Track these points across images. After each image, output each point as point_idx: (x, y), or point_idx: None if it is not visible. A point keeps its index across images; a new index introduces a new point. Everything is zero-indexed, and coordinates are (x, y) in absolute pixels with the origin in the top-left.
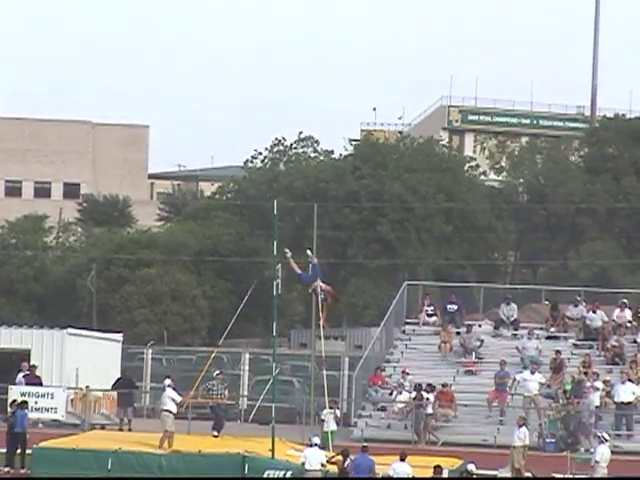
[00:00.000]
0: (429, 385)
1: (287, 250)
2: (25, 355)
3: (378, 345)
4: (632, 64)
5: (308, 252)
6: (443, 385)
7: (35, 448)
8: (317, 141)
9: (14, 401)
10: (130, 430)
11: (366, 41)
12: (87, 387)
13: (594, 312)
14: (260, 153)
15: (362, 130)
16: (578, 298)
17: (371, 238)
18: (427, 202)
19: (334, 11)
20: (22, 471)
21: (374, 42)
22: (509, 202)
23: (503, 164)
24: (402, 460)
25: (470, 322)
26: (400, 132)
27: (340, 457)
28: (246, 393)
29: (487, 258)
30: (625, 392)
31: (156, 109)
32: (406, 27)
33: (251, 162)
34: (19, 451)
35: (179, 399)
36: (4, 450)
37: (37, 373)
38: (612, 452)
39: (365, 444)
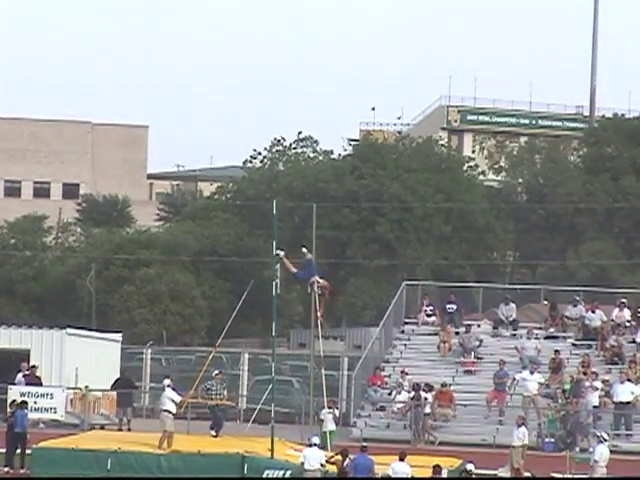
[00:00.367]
0: (427, 385)
1: (279, 252)
2: (24, 355)
3: (377, 345)
4: (631, 64)
5: (303, 249)
6: (442, 385)
7: (34, 448)
8: (316, 141)
9: (13, 401)
10: (129, 430)
11: (365, 41)
12: (86, 387)
13: (593, 312)
14: (259, 153)
15: (361, 130)
16: (577, 298)
17: (370, 238)
18: (426, 202)
19: (333, 11)
20: (22, 471)
21: (373, 42)
22: (508, 202)
23: (502, 164)
24: (401, 460)
25: (469, 322)
26: (399, 132)
27: (339, 457)
28: (245, 393)
29: (486, 258)
30: (624, 392)
31: (155, 109)
32: (405, 27)
33: (250, 162)
34: (19, 451)
35: (178, 399)
36: (4, 450)
37: (37, 373)
38: (611, 452)
39: (364, 444)
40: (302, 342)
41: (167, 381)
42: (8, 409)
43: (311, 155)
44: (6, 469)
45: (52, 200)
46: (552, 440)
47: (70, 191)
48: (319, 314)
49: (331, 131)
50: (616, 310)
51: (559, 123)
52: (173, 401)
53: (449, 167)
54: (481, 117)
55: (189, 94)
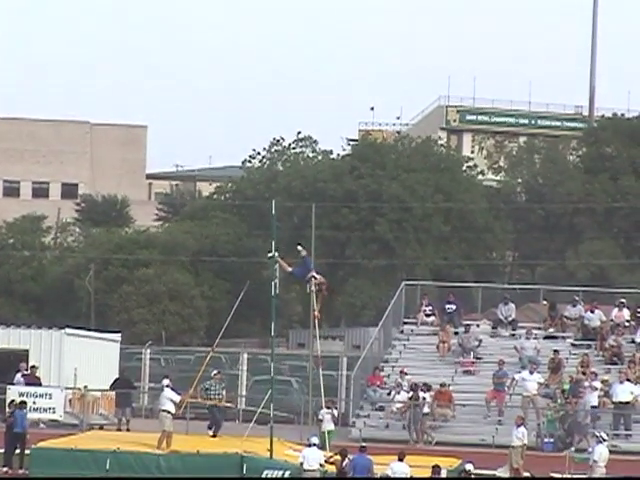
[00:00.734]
0: (425, 384)
1: (272, 254)
2: (23, 355)
3: (376, 345)
4: (630, 64)
5: (298, 247)
6: (441, 385)
7: (33, 448)
8: (315, 141)
9: (12, 401)
10: (128, 430)
11: (364, 41)
12: (85, 387)
13: (592, 312)
14: (258, 153)
15: (360, 130)
16: (576, 298)
17: (369, 238)
18: (425, 202)
19: (332, 11)
20: (20, 471)
21: (372, 42)
22: (507, 202)
23: (501, 164)
24: (400, 460)
25: (468, 322)
26: (398, 132)
27: (338, 457)
28: (244, 393)
29: (485, 258)
30: (623, 392)
31: (154, 109)
32: (404, 27)
33: (249, 162)
34: (18, 451)
35: (178, 399)
36: (2, 450)
37: (37, 374)
38: (610, 452)
39: (363, 444)
40: (301, 342)
41: (166, 381)
42: (7, 409)
43: (310, 155)
44: (5, 469)
45: (51, 200)
46: (551, 440)
47: (69, 191)
48: (316, 311)
49: (330, 131)
50: (615, 310)
51: (558, 123)
52: (172, 401)
53: (448, 167)
54: (480, 117)
55: (188, 94)
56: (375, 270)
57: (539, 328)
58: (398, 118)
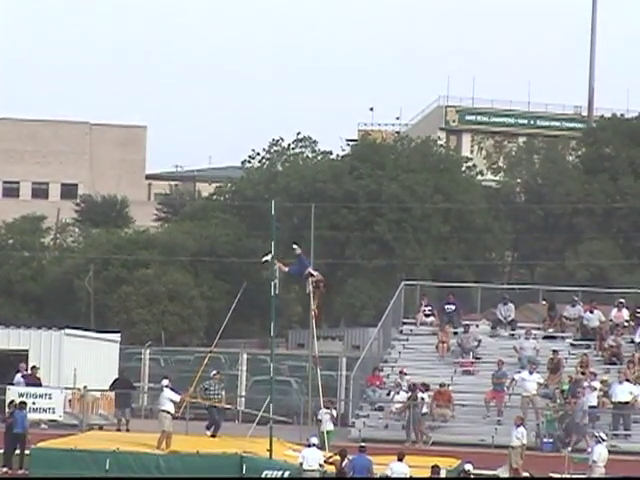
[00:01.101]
0: (423, 384)
1: (267, 257)
2: (23, 356)
3: (376, 345)
4: (629, 64)
5: (294, 246)
6: (441, 385)
7: (33, 448)
8: (315, 141)
9: (12, 402)
10: (128, 430)
11: (363, 41)
12: (85, 387)
13: (591, 312)
14: (258, 153)
15: (359, 130)
16: (575, 298)
17: (369, 238)
18: (424, 202)
19: (332, 12)
20: (20, 472)
21: (371, 42)
22: (506, 202)
23: (500, 164)
24: (400, 460)
25: (468, 322)
26: (397, 132)
27: (338, 457)
28: (244, 393)
29: (484, 258)
30: (622, 392)
31: (153, 109)
32: (403, 27)
33: (249, 162)
34: (18, 451)
35: (177, 398)
36: (2, 450)
37: (37, 374)
38: (610, 452)
39: (363, 444)
40: (300, 342)
41: (165, 381)
42: (7, 410)
43: (309, 155)
44: (5, 469)
45: (50, 200)
46: (550, 440)
47: (68, 191)
48: (314, 307)
49: (329, 131)
50: (614, 310)
51: (557, 123)
52: (172, 401)
53: (447, 167)
54: (479, 117)
55: (187, 94)
56: (374, 270)
57: (538, 328)
58: (397, 118)
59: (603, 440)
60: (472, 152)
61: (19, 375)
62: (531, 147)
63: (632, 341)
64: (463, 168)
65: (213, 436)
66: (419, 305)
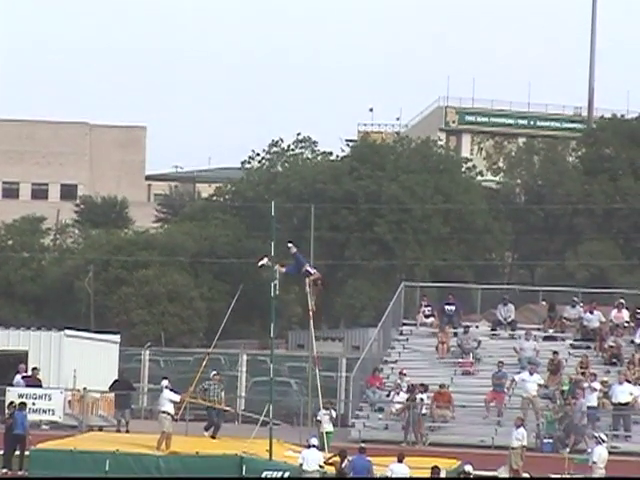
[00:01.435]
0: (422, 385)
1: (263, 262)
2: (22, 357)
3: (375, 346)
4: (629, 64)
5: (289, 244)
6: (440, 386)
7: (32, 450)
8: (315, 142)
9: (11, 403)
10: (128, 432)
11: (363, 42)
12: (85, 388)
13: (591, 313)
14: (258, 154)
15: (359, 131)
16: (575, 299)
17: (368, 239)
18: (424, 203)
19: (332, 12)
20: (20, 473)
21: (371, 43)
22: (506, 203)
23: (500, 165)
24: (400, 461)
25: (467, 323)
26: (397, 133)
27: (338, 458)
28: (244, 394)
29: (484, 259)
30: (623, 393)
31: (153, 110)
32: (403, 28)
33: (248, 163)
34: (18, 452)
35: (177, 398)
36: (1, 452)
37: (38, 376)
38: (610, 453)
39: (363, 445)
40: (300, 343)
41: (165, 382)
42: (6, 411)
43: (309, 156)
44: (4, 470)
45: (50, 201)
46: (550, 441)
47: (68, 192)
48: (312, 306)
49: (329, 132)
50: (614, 311)
51: (557, 124)
52: (172, 402)
53: (447, 168)
54: (479, 118)
55: (187, 95)
56: (374, 271)
57: (538, 329)
58: (397, 119)
59: (603, 441)
60: (472, 153)
61: (19, 376)
62: (531, 148)
63: (632, 342)
64: (463, 169)
65: (213, 437)
66: (419, 306)
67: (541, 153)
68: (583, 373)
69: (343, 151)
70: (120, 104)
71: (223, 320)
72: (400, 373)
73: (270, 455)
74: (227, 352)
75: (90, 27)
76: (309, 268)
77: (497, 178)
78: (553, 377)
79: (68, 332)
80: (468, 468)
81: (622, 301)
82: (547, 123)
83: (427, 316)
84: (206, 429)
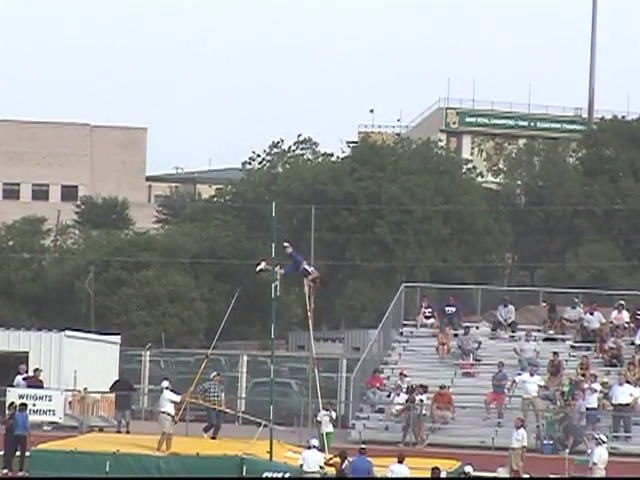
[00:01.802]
0: (421, 386)
1: (260, 266)
2: (23, 357)
3: (376, 347)
4: (630, 66)
5: (284, 244)
6: (441, 387)
7: (33, 450)
8: (315, 143)
9: (12, 404)
10: (128, 432)
11: (363, 43)
12: (85, 389)
13: (592, 314)
14: (258, 155)
15: (359, 132)
16: (576, 300)
17: (369, 240)
18: (425, 204)
19: (332, 13)
20: (20, 473)
21: (371, 44)
22: (507, 204)
23: (501, 166)
24: (400, 462)
25: (468, 324)
26: (398, 134)
27: (338, 459)
28: (244, 395)
29: (485, 260)
30: (623, 394)
31: (154, 111)
32: (403, 29)
33: (249, 164)
34: (18, 453)
35: (178, 398)
36: (2, 452)
37: (40, 377)
38: (610, 454)
39: (363, 446)
40: (301, 344)
41: (165, 383)
42: (7, 411)
43: (310, 157)
44: (5, 471)
45: (51, 202)
46: (551, 442)
47: (69, 193)
48: (311, 305)
49: (330, 133)
50: (615, 312)
51: (558, 125)
52: (172, 402)
53: (448, 169)
54: (479, 119)
55: (188, 96)
56: (375, 272)
57: (538, 330)
58: (398, 120)
59: (603, 442)
60: (472, 154)
61: (19, 377)
62: (531, 149)
63: (632, 343)
64: (463, 170)
65: (213, 438)
66: (419, 307)
67: (541, 154)
68: (583, 374)
69: (343, 152)
70: (121, 105)
71: (223, 321)
72: (400, 374)
73: (270, 456)
74: (227, 353)
75: (91, 28)
76: (307, 267)
77: (497, 179)
78: (553, 378)
79: (68, 333)
80: (468, 469)
81: (622, 302)
82: (547, 124)
83: (427, 317)
84: (205, 430)
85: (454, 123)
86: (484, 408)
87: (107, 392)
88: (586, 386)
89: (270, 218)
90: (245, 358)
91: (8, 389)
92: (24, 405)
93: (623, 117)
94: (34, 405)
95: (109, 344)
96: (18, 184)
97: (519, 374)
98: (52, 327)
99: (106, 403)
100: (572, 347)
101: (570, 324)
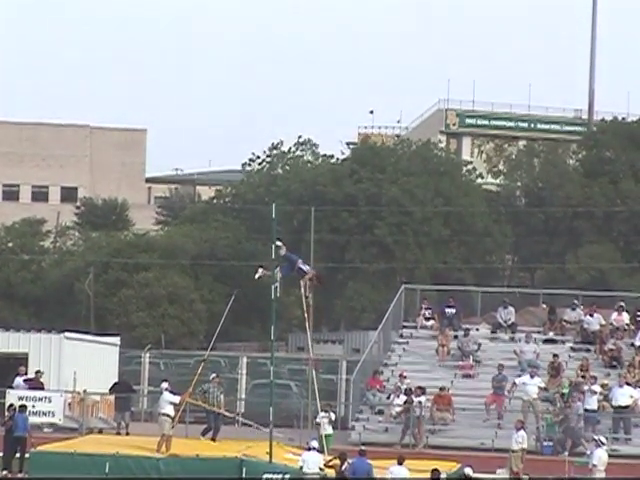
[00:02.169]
0: (419, 388)
1: (259, 274)
2: (22, 359)
3: (376, 349)
4: (630, 67)
5: (278, 244)
6: (441, 389)
7: (32, 452)
8: (315, 144)
9: (11, 405)
10: (127, 434)
11: (364, 44)
12: (85, 391)
13: (592, 315)
14: (258, 157)
15: (359, 133)
16: (576, 301)
17: (369, 241)
18: (425, 206)
19: (332, 15)
20: (20, 475)
21: (371, 45)
22: (507, 205)
23: (501, 167)
24: (400, 464)
25: (468, 325)
26: (397, 135)
27: (337, 461)
28: (244, 397)
29: (485, 261)
30: (623, 395)
31: (154, 113)
32: (403, 30)
33: (249, 165)
34: (18, 455)
35: (177, 400)
36: (1, 453)
37: (41, 379)
38: (610, 456)
39: (363, 447)
40: (300, 346)
41: (165, 384)
42: (6, 413)
43: (310, 159)
44: (4, 472)
45: (50, 204)
46: (550, 444)
47: (68, 195)
48: (308, 300)
49: (329, 134)
50: (615, 314)
51: (558, 126)
52: (172, 404)
53: (447, 171)
54: (479, 120)
55: (187, 98)
56: (375, 274)
57: (538, 332)
58: (398, 122)
59: (603, 444)
60: (472, 155)
61: (19, 378)
62: (531, 150)
63: (632, 344)
64: (463, 171)
65: (213, 439)
66: (419, 308)
67: (541, 156)
68: (583, 376)
69: (343, 153)
70: (120, 106)
71: (220, 323)
72: (400, 376)
73: (270, 458)
74: (227, 354)
75: (90, 29)
76: (302, 266)
77: (497, 181)
78: (553, 380)
79: (68, 334)
80: (468, 471)
81: (622, 304)
82: (547, 126)
83: (427, 319)
84: (203, 434)
85: (454, 124)
86: (484, 410)
87: (107, 394)
88: (586, 388)
89: (270, 219)
90: (245, 360)
91: (8, 391)
92: (24, 407)
93: (623, 118)
94: (33, 407)
95: (109, 345)
96: (18, 185)
97: (519, 376)
98: (52, 328)
99: (106, 405)
100: (572, 349)
101: (570, 326)
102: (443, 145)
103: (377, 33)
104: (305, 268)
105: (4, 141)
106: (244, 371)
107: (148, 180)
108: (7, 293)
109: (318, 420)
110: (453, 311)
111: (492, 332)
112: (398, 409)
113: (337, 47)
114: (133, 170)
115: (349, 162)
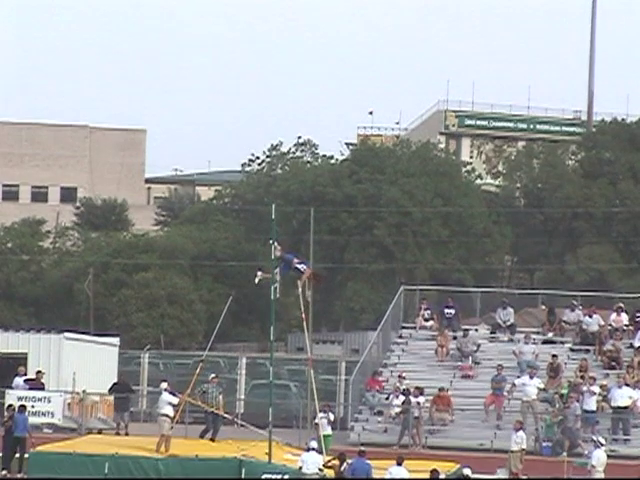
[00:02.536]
0: (417, 388)
1: (259, 278)
2: (22, 359)
3: (375, 349)
4: (629, 68)
5: (273, 244)
6: (440, 389)
7: (32, 452)
8: (315, 145)
9: (10, 405)
10: (127, 434)
11: (363, 45)
12: (84, 391)
13: (591, 316)
14: (257, 157)
15: (359, 134)
16: (575, 302)
17: (368, 242)
18: (424, 206)
19: (332, 15)
20: (19, 475)
21: (371, 46)
22: (506, 206)
23: (500, 168)
24: (399, 464)
25: (467, 326)
26: (397, 136)
27: (337, 461)
28: (243, 397)
29: (484, 262)
30: (622, 396)
31: (153, 113)
32: (403, 31)
33: (248, 166)
34: (17, 455)
35: (176, 400)
36: (1, 454)
37: (42, 380)
38: (609, 456)
39: (362, 448)
40: (300, 346)
41: (164, 385)
42: (5, 413)
43: (309, 159)
44: (4, 472)
45: (50, 204)
46: (549, 444)
47: (68, 195)
48: (305, 298)
49: (329, 135)
50: (614, 314)
51: (557, 127)
52: (171, 404)
53: (447, 171)
54: (479, 121)
55: (187, 98)
56: (374, 274)
57: (538, 332)
58: (397, 123)
59: (602, 445)
60: (471, 156)
61: (18, 379)
62: (531, 151)
63: (631, 345)
64: (462, 172)
65: (212, 440)
66: (418, 309)
67: (540, 157)
68: (582, 377)
69: (343, 154)
70: (120, 107)
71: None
72: (399, 376)
73: (269, 458)
74: (226, 355)
75: (90, 29)
76: (298, 265)
77: (496, 182)
78: (552, 381)
79: (67, 335)
80: (467, 471)
81: (621, 305)
82: (547, 127)
83: (426, 319)
84: (201, 436)
85: (453, 125)
86: (483, 410)
87: (106, 394)
88: (585, 388)
89: (270, 220)
90: (244, 360)
91: (7, 391)
92: (23, 407)
93: (622, 119)
94: (33, 407)
95: (108, 346)
96: (17, 186)
97: (518, 376)
98: (51, 329)
99: (105, 405)
100: (571, 350)
101: (569, 326)
102: (442, 146)
103: (377, 33)
104: (301, 267)
105: (4, 141)
106: (243, 371)
107: (148, 180)
108: (7, 293)
109: (317, 420)
110: (452, 312)
111: (491, 333)
112: (397, 410)
113: (337, 47)
114: (133, 170)
115: (348, 163)
